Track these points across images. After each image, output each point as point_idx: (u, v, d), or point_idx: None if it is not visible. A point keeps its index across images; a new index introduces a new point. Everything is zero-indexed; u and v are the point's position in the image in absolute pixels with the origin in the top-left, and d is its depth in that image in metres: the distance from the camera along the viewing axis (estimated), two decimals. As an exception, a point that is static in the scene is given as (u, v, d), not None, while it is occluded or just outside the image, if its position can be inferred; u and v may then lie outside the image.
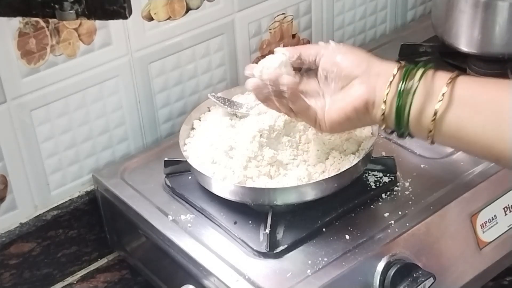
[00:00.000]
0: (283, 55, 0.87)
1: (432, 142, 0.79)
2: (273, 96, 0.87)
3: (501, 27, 1.14)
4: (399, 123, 0.80)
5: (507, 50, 1.15)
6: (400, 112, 0.79)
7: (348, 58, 0.84)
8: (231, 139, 0.95)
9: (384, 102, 0.80)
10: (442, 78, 0.78)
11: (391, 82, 0.80)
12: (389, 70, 0.81)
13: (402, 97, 0.79)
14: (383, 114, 0.80)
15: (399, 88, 0.79)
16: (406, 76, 0.79)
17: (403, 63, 0.82)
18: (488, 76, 1.18)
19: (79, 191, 1.08)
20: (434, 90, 0.77)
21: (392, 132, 0.83)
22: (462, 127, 0.76)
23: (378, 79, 0.81)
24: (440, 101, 0.76)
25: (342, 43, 0.88)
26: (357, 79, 0.82)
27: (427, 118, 0.78)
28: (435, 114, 0.77)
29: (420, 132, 0.80)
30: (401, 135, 0.82)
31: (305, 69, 0.89)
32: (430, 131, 0.78)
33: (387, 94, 0.80)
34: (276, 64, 0.86)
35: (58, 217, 1.04)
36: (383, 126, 0.82)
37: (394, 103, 0.79)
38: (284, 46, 1.22)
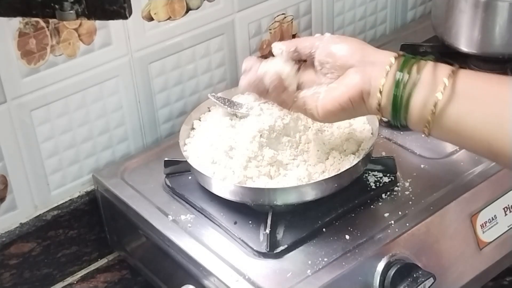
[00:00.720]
0: (280, 54, 0.87)
1: (429, 135, 0.78)
2: (266, 92, 0.87)
3: (501, 27, 1.14)
4: (396, 114, 0.79)
5: (507, 50, 1.15)
6: (398, 103, 0.78)
7: (343, 47, 0.83)
8: (231, 139, 0.95)
9: (380, 92, 0.78)
10: (443, 70, 0.77)
11: (388, 72, 0.78)
12: (385, 59, 0.79)
13: (400, 87, 0.77)
14: (379, 104, 0.79)
15: (397, 78, 0.77)
16: (404, 66, 0.78)
17: (401, 52, 0.81)
18: (488, 76, 1.18)
19: (79, 191, 1.08)
20: (436, 82, 0.76)
21: (387, 122, 0.82)
22: (462, 121, 0.75)
23: (374, 68, 0.80)
24: (441, 92, 0.75)
25: (337, 35, 0.88)
26: (352, 69, 0.81)
27: (426, 110, 0.76)
28: (435, 106, 0.75)
29: (418, 124, 0.78)
30: (396, 126, 0.81)
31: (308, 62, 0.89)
32: (428, 123, 0.77)
33: (383, 84, 0.78)
34: (276, 68, 0.86)
35: (58, 217, 1.05)
36: (379, 116, 0.81)
37: (391, 93, 0.78)
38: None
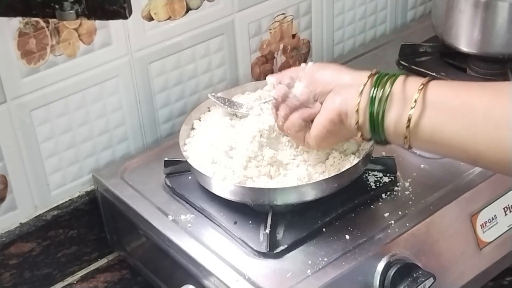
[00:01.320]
0: (271, 86, 0.92)
1: (410, 147, 0.80)
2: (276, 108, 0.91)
3: (501, 27, 1.14)
4: (374, 130, 0.81)
5: (507, 50, 1.15)
6: (374, 119, 0.80)
7: (323, 74, 0.87)
8: (231, 139, 0.94)
9: (357, 111, 0.81)
10: (413, 84, 0.79)
11: (361, 90, 0.81)
12: (360, 79, 0.82)
13: (375, 104, 0.80)
14: (357, 123, 0.82)
15: (370, 95, 0.80)
16: (377, 83, 0.80)
17: (374, 70, 0.83)
18: (488, 76, 1.18)
19: (79, 191, 1.08)
20: (407, 96, 0.78)
21: (369, 140, 0.84)
22: (437, 131, 0.77)
23: (350, 90, 0.83)
24: (412, 108, 0.77)
25: (318, 63, 0.91)
26: (331, 93, 0.85)
27: (401, 124, 0.78)
28: (409, 120, 0.77)
29: (396, 138, 0.80)
30: (378, 143, 0.83)
31: None
32: (406, 137, 0.79)
33: (358, 103, 0.81)
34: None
35: (58, 217, 1.04)
36: (359, 135, 0.83)
37: (367, 111, 0.80)
38: (284, 46, 1.23)
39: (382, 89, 0.79)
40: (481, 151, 0.74)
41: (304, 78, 0.89)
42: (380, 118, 0.80)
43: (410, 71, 1.21)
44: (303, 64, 0.92)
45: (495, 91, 0.75)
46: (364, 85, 0.81)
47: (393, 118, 0.79)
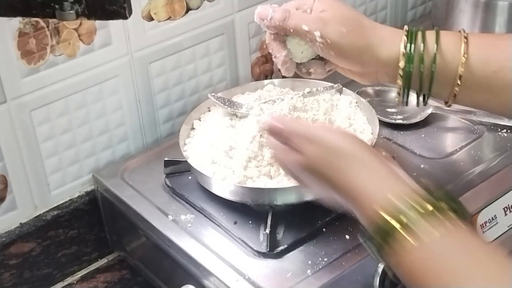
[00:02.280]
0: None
1: (452, 102, 0.81)
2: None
3: (501, 27, 1.14)
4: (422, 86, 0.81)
5: (507, 50, 1.15)
6: (422, 76, 0.80)
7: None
8: (231, 139, 0.95)
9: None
10: (453, 36, 0.80)
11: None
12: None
13: (417, 60, 0.79)
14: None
15: (411, 51, 0.80)
16: (412, 39, 0.80)
17: (406, 29, 0.82)
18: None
19: (79, 191, 1.08)
20: (454, 48, 0.79)
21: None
22: (488, 64, 0.78)
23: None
24: (464, 56, 0.78)
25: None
26: None
27: (452, 73, 0.79)
28: (460, 78, 0.78)
29: (443, 90, 0.81)
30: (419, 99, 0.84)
31: None
32: (460, 76, 0.79)
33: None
34: None
35: (58, 217, 1.05)
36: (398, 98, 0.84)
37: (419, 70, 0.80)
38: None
39: (423, 44, 0.79)
40: None
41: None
42: (429, 73, 0.80)
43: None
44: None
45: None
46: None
47: (440, 73, 0.79)
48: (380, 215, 0.65)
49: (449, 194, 0.67)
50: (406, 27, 0.82)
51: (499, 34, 0.81)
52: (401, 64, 0.80)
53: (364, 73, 0.84)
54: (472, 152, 1.04)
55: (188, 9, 1.09)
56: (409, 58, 0.79)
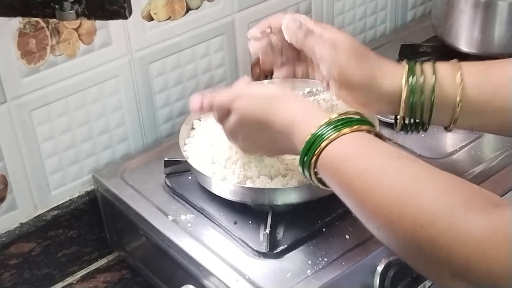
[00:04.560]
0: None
1: (452, 127, 0.85)
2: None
3: (501, 27, 1.14)
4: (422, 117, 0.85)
5: (507, 50, 1.15)
6: (423, 107, 0.84)
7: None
8: (231, 139, 0.95)
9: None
10: (445, 66, 0.84)
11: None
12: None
13: (418, 92, 0.83)
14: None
15: (413, 84, 0.83)
16: (412, 72, 0.84)
17: (400, 61, 0.86)
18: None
19: (79, 191, 1.08)
20: (452, 77, 0.83)
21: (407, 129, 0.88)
22: (484, 103, 0.82)
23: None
24: (461, 84, 0.82)
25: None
26: None
27: (450, 104, 0.83)
28: (459, 104, 0.82)
29: (442, 119, 0.85)
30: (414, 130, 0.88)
31: None
32: (458, 105, 0.82)
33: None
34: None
35: (58, 217, 1.05)
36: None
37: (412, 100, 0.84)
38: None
39: (422, 78, 0.83)
40: None
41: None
42: (429, 105, 0.83)
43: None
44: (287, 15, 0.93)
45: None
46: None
47: (442, 100, 0.83)
48: (308, 135, 0.75)
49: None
50: (405, 62, 0.86)
51: (491, 61, 0.84)
52: (404, 96, 0.84)
53: (366, 103, 0.87)
54: (472, 152, 1.04)
55: (188, 9, 1.09)
56: (412, 90, 0.83)
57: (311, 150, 0.74)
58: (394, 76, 0.84)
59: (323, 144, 0.73)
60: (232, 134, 0.87)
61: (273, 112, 0.80)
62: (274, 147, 0.84)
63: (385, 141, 0.75)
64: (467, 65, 0.85)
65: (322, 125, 0.74)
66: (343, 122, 0.74)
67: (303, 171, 0.77)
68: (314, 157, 0.74)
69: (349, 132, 0.73)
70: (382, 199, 0.67)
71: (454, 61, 0.85)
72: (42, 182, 1.03)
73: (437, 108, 0.84)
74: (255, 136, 0.84)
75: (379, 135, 0.75)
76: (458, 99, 0.82)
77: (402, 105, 0.84)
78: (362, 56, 0.86)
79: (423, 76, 0.83)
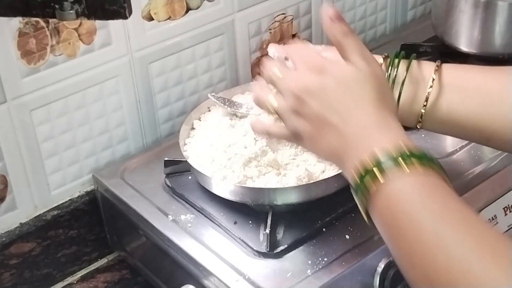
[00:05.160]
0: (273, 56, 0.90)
1: (421, 127, 0.83)
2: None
3: (501, 27, 1.14)
4: None
5: (507, 50, 1.15)
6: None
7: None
8: (231, 139, 0.94)
9: None
10: (428, 66, 0.82)
11: None
12: None
13: (393, 85, 0.82)
14: None
15: (387, 75, 0.82)
16: (391, 64, 0.83)
17: (385, 54, 0.85)
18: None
19: (79, 191, 1.08)
20: (423, 77, 0.81)
21: None
22: (453, 111, 0.80)
23: None
24: (431, 87, 0.80)
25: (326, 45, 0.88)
26: None
27: (417, 104, 0.81)
28: (427, 99, 0.80)
29: (408, 118, 0.82)
30: None
31: None
32: (421, 117, 0.81)
33: None
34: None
35: (58, 217, 1.05)
36: None
37: None
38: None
39: (395, 72, 0.81)
40: (496, 130, 0.77)
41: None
42: (397, 98, 0.81)
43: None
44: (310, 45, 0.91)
45: (507, 74, 0.79)
46: (380, 65, 0.81)
47: (409, 98, 0.81)
48: (363, 160, 0.67)
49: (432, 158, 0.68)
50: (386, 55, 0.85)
51: (473, 67, 0.84)
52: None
53: None
54: (472, 152, 1.04)
55: (188, 9, 1.09)
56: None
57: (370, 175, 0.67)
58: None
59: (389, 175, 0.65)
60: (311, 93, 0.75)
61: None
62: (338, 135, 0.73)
63: (451, 187, 0.67)
64: (448, 67, 0.83)
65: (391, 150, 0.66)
66: (417, 156, 0.66)
67: (357, 189, 0.70)
68: (374, 187, 0.66)
69: (421, 173, 0.65)
70: (435, 267, 0.61)
71: (437, 62, 0.84)
72: (42, 182, 1.03)
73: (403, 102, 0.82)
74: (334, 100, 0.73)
75: (446, 181, 0.68)
76: (424, 97, 0.81)
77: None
78: None
79: (395, 69, 0.82)
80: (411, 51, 1.25)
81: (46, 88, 0.98)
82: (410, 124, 0.83)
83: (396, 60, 0.83)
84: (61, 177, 1.05)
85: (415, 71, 0.82)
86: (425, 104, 0.80)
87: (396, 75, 0.81)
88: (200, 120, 1.03)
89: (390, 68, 0.82)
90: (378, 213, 0.68)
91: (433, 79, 0.80)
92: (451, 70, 0.82)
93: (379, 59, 0.83)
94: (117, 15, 0.75)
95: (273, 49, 0.88)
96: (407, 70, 0.81)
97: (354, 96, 0.72)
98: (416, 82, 0.81)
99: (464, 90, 0.80)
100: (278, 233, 0.90)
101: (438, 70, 0.81)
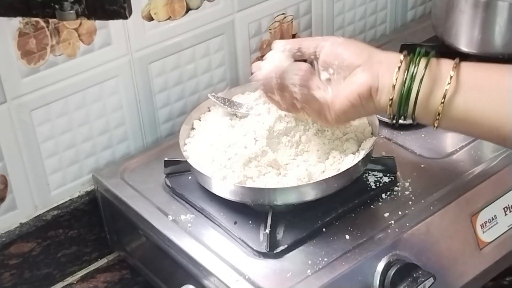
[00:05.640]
0: (283, 52, 0.89)
1: (437, 126, 0.82)
2: (276, 90, 0.89)
3: (501, 27, 1.14)
4: (406, 107, 0.82)
5: (507, 50, 1.15)
6: (409, 96, 0.82)
7: (349, 49, 0.87)
8: (231, 139, 0.95)
9: (393, 87, 0.82)
10: (446, 64, 0.82)
11: (399, 68, 0.82)
12: (391, 58, 0.84)
13: (413, 81, 0.81)
14: (391, 99, 0.82)
15: (411, 72, 0.82)
16: (412, 62, 0.83)
17: (405, 52, 0.84)
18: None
19: (79, 191, 1.08)
20: (441, 75, 0.81)
21: (393, 118, 0.85)
22: (470, 109, 0.80)
23: (381, 67, 0.84)
24: (448, 84, 0.80)
25: (340, 37, 0.90)
26: (360, 68, 0.85)
27: (435, 101, 0.81)
28: (444, 97, 0.80)
29: (426, 116, 0.82)
30: (396, 122, 0.85)
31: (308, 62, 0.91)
32: (438, 115, 0.81)
33: (396, 79, 0.82)
34: (281, 61, 0.87)
35: (58, 217, 1.05)
36: (388, 112, 0.84)
37: (401, 88, 0.82)
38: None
39: (416, 69, 0.82)
40: None
41: (327, 50, 0.88)
42: (414, 97, 0.81)
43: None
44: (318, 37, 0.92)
45: None
46: (401, 63, 0.82)
47: (427, 95, 0.81)
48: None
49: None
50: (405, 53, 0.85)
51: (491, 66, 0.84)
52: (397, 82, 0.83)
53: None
54: (472, 152, 1.04)
55: (188, 9, 1.09)
56: (403, 79, 0.82)
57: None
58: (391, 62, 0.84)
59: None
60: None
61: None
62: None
63: None
64: (467, 65, 0.84)
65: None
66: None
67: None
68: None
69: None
70: None
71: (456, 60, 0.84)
72: (42, 182, 1.03)
73: (421, 102, 0.82)
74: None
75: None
76: (442, 94, 0.81)
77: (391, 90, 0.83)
78: (360, 44, 0.88)
79: (416, 67, 0.83)
80: (411, 51, 1.27)
81: (46, 88, 0.98)
82: (428, 122, 0.83)
83: (417, 59, 0.83)
84: (61, 177, 1.05)
85: (433, 68, 0.82)
86: (442, 101, 0.80)
87: (416, 72, 0.81)
88: (200, 120, 1.03)
89: (409, 64, 0.82)
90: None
91: (451, 77, 0.80)
92: (469, 68, 0.82)
93: (400, 56, 0.83)
94: (117, 15, 0.75)
95: (281, 43, 0.91)
96: (425, 68, 0.81)
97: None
98: (434, 79, 0.81)
99: (481, 89, 0.80)
100: (278, 233, 0.90)
101: (456, 67, 0.81)
